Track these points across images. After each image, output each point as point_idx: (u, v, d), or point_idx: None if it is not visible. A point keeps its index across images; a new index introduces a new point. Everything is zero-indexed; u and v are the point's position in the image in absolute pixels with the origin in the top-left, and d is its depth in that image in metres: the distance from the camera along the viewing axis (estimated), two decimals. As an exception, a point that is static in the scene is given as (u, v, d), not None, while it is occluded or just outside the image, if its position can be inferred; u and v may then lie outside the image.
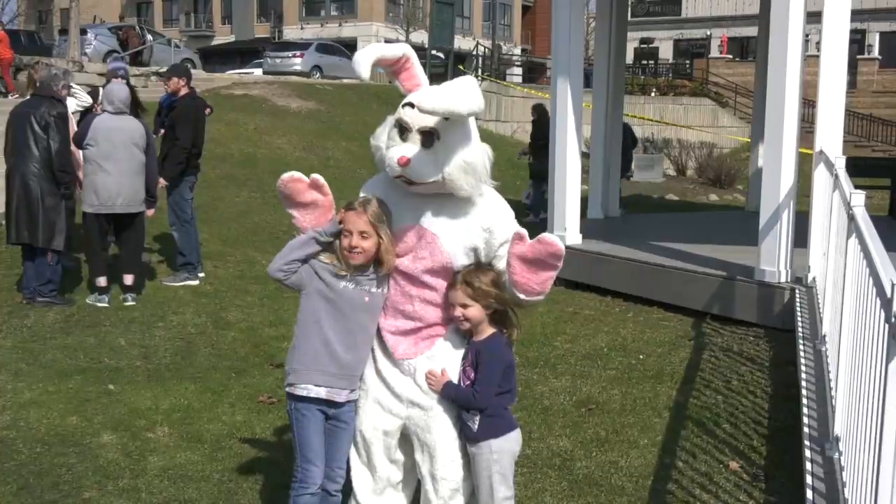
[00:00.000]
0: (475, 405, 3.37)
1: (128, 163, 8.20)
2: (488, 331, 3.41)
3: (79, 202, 8.81)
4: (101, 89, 9.17)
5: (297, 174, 3.41)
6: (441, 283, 3.39)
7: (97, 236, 8.36)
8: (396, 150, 3.23)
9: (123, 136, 8.19)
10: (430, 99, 3.08)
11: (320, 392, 3.42)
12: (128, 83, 9.55)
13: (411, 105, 3.22)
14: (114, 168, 8.12)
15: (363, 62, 3.20)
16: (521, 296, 3.30)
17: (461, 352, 3.47)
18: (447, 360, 3.46)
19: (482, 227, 3.34)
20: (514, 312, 3.46)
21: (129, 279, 8.47)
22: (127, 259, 8.54)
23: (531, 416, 5.51)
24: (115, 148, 8.13)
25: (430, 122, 3.20)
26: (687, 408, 5.69)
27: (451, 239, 3.35)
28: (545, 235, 3.21)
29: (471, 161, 3.24)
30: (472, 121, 3.33)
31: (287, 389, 3.49)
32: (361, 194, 3.48)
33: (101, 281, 8.40)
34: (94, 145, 8.10)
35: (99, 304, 8.30)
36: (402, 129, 3.26)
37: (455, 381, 3.42)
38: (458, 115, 3.14)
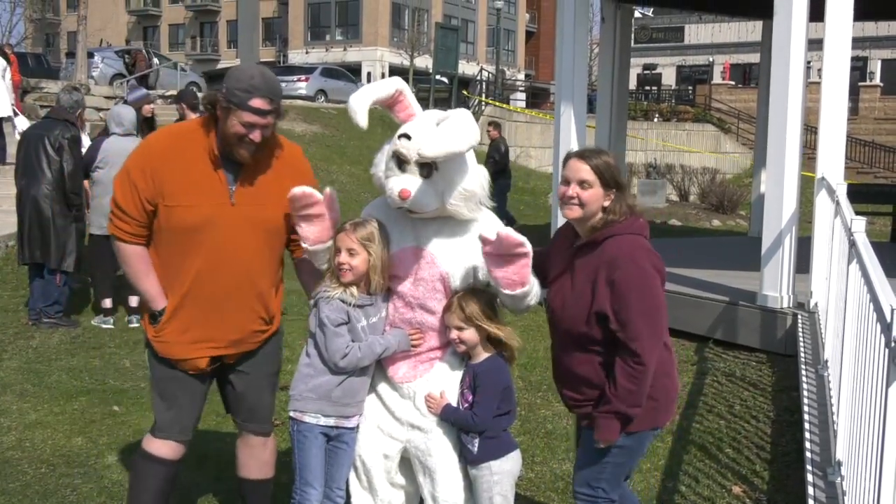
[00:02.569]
0: (474, 427, 3.39)
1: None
2: (485, 353, 3.43)
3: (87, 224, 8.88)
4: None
5: (308, 190, 3.41)
6: (439, 308, 3.43)
7: (106, 258, 8.40)
8: (397, 182, 3.25)
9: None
10: (430, 146, 3.13)
11: (329, 421, 3.45)
12: (152, 112, 9.67)
13: (407, 136, 3.24)
14: None
15: (359, 110, 3.23)
16: (507, 291, 3.28)
17: (459, 374, 3.50)
18: (446, 382, 3.48)
19: (480, 245, 3.38)
20: (511, 337, 3.48)
21: (134, 301, 8.50)
22: None
23: (534, 440, 5.52)
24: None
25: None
26: (690, 432, 5.69)
27: (449, 258, 3.39)
28: (500, 231, 3.20)
29: (470, 188, 3.29)
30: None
31: (293, 415, 3.50)
32: (364, 214, 3.54)
33: (107, 303, 8.44)
34: (104, 167, 8.16)
35: (104, 326, 8.34)
36: (400, 161, 3.28)
37: (454, 403, 3.44)
38: (460, 155, 3.20)
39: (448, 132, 3.15)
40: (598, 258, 3.18)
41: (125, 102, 9.42)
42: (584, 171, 3.17)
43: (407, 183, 3.23)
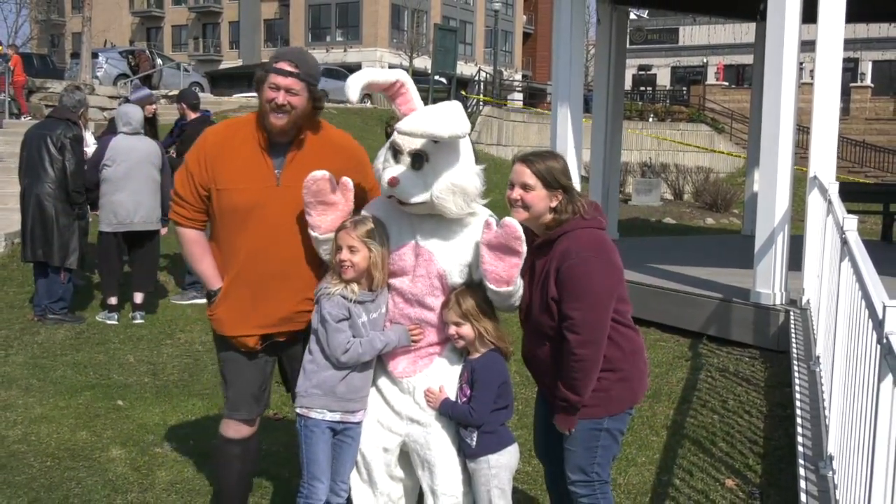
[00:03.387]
0: (472, 422, 3.40)
1: (145, 181, 8.27)
2: (483, 349, 3.44)
3: (93, 222, 8.88)
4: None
5: (327, 174, 3.45)
6: (437, 304, 3.44)
7: (114, 255, 8.40)
8: (388, 171, 3.31)
9: (140, 156, 8.26)
10: (407, 122, 3.18)
11: (335, 416, 3.46)
12: (154, 112, 9.67)
13: None
14: (131, 187, 8.18)
15: (353, 86, 3.29)
16: (493, 286, 3.32)
17: (458, 369, 3.51)
18: (445, 377, 3.49)
19: (476, 242, 3.39)
20: (503, 337, 3.49)
21: (138, 297, 8.51)
22: (139, 278, 8.58)
23: (531, 434, 5.50)
24: (132, 167, 8.19)
25: (418, 144, 3.27)
26: (684, 427, 5.69)
27: (446, 256, 3.40)
28: (506, 219, 3.25)
29: (459, 183, 3.29)
30: (465, 144, 3.37)
31: (300, 411, 3.50)
32: (363, 213, 3.54)
33: (113, 300, 8.44)
34: (112, 165, 8.16)
35: (109, 322, 8.33)
36: (396, 152, 3.33)
37: (453, 398, 3.45)
38: (436, 137, 3.20)
39: (428, 115, 3.20)
40: (552, 254, 3.26)
41: (128, 101, 9.42)
42: (526, 174, 3.25)
43: (397, 171, 3.28)
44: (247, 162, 3.60)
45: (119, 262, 8.54)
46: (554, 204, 3.27)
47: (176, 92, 19.76)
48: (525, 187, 3.26)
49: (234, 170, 3.60)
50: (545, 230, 3.31)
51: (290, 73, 3.48)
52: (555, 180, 3.25)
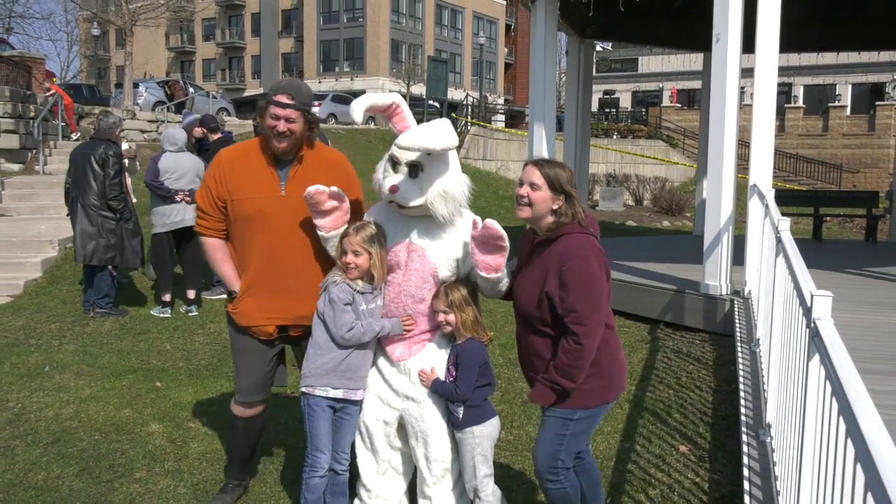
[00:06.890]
0: (458, 398, 3.39)
1: (191, 188, 8.27)
2: (466, 335, 3.43)
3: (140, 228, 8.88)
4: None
5: (321, 187, 3.45)
6: (429, 296, 3.44)
7: (167, 256, 8.38)
8: (389, 180, 3.31)
9: (185, 168, 8.30)
10: (405, 137, 3.20)
11: (338, 393, 3.45)
12: (203, 132, 9.68)
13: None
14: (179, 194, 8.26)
15: (357, 109, 3.29)
16: (483, 274, 3.31)
17: (447, 352, 3.51)
18: (436, 360, 3.49)
19: (463, 241, 3.39)
20: (483, 327, 3.48)
21: (191, 294, 8.49)
22: (190, 276, 8.55)
23: (513, 408, 5.51)
24: (179, 178, 8.23)
25: (413, 156, 3.26)
26: (644, 400, 5.69)
27: (436, 252, 3.40)
28: (487, 221, 3.21)
29: (449, 190, 3.29)
30: (453, 157, 3.37)
31: (304, 390, 3.49)
32: (365, 217, 3.55)
33: (167, 296, 8.41)
34: (162, 178, 8.20)
35: (162, 316, 8.29)
36: (394, 163, 3.33)
37: (442, 377, 3.45)
38: (430, 150, 3.21)
39: (422, 130, 3.20)
40: (551, 253, 3.15)
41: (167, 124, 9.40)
42: (535, 175, 3.15)
43: (396, 180, 3.29)
44: (256, 175, 3.64)
45: (171, 262, 8.50)
46: (556, 207, 3.14)
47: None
48: (532, 186, 3.14)
49: (245, 182, 3.64)
50: (546, 230, 3.19)
51: (287, 105, 3.53)
52: (560, 185, 3.13)
